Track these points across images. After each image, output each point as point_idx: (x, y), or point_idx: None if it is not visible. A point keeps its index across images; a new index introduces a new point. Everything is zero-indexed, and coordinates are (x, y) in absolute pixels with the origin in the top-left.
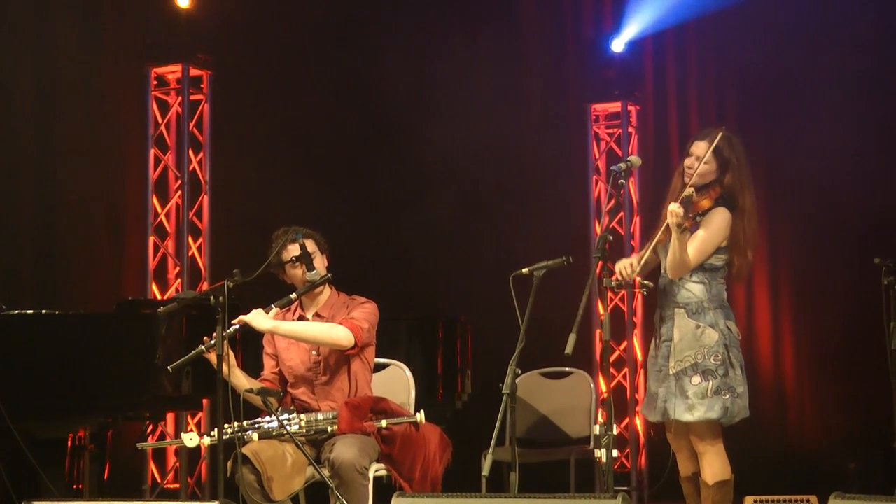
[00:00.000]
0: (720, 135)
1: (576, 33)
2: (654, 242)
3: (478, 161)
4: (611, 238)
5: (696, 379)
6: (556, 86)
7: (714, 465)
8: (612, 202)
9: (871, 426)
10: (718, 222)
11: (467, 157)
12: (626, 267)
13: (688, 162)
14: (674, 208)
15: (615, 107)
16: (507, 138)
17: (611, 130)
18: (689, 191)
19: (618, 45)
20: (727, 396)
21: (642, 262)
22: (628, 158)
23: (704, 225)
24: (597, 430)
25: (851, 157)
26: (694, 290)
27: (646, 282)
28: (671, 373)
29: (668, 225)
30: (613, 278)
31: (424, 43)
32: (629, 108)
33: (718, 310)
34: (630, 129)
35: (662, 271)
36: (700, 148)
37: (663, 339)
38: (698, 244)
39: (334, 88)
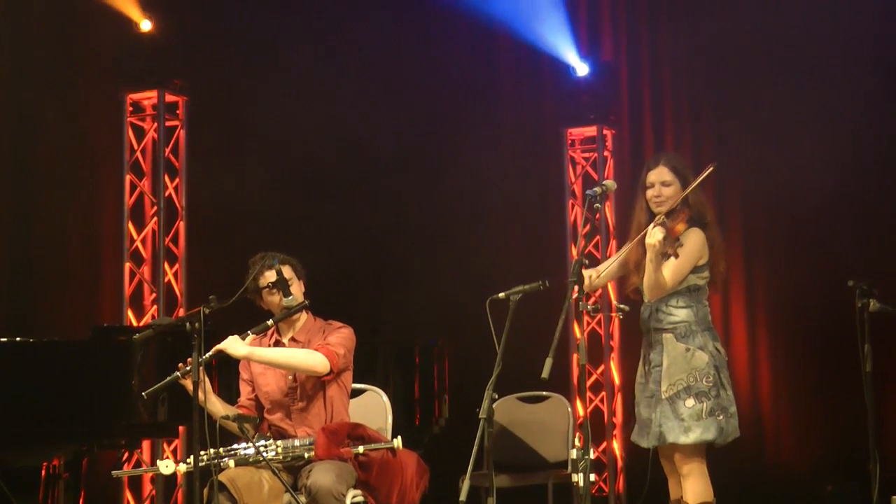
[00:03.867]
0: (711, 169)
1: (550, 57)
2: (619, 257)
3: (454, 186)
4: (586, 262)
5: (690, 401)
6: (532, 110)
7: (697, 487)
8: (588, 226)
9: (847, 448)
10: (694, 243)
11: (444, 182)
12: (586, 278)
13: (651, 193)
14: (657, 237)
15: (591, 131)
16: (483, 162)
17: (587, 154)
18: (660, 219)
19: (582, 69)
20: (721, 417)
21: (602, 275)
22: (604, 182)
23: (680, 248)
24: (574, 454)
25: (828, 177)
26: (680, 313)
27: (622, 305)
28: (664, 397)
29: (638, 244)
30: (591, 302)
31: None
32: (605, 131)
33: (706, 332)
34: (606, 153)
35: (646, 300)
36: (662, 174)
37: (653, 364)
38: (675, 266)
39: (311, 113)
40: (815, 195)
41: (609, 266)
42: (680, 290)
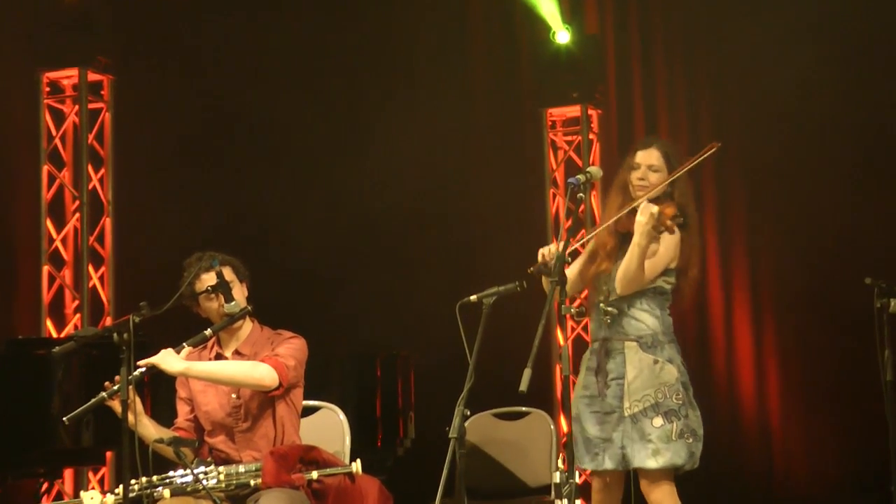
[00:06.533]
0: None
1: (528, 28)
2: (592, 236)
3: (419, 174)
4: (570, 260)
5: (658, 420)
6: (507, 88)
7: None
8: (571, 219)
9: (867, 467)
10: (672, 240)
11: (407, 171)
12: (548, 252)
13: (636, 175)
14: (652, 209)
15: (574, 111)
16: (452, 148)
17: (569, 138)
18: (643, 204)
19: (563, 36)
20: (691, 440)
21: (570, 278)
22: (588, 169)
23: (660, 240)
24: (557, 477)
25: (844, 162)
26: (646, 320)
27: (609, 308)
28: (627, 414)
29: (613, 228)
30: (575, 305)
31: (360, 44)
32: (590, 112)
33: (673, 344)
34: (591, 136)
35: (601, 298)
36: (651, 157)
37: (612, 376)
38: (654, 260)
39: (255, 95)
40: (829, 182)
41: (576, 264)
42: (646, 290)
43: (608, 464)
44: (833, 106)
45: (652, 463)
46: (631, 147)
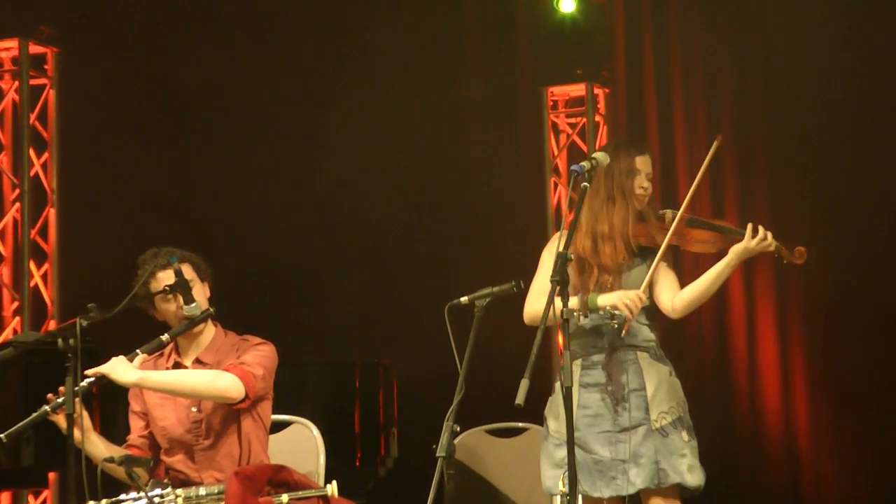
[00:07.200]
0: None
1: None
2: (656, 264)
3: (404, 162)
4: (572, 257)
5: (685, 435)
6: (502, 63)
7: None
8: (574, 212)
9: None
10: None
11: (389, 157)
12: (635, 299)
13: (638, 182)
14: (769, 239)
15: (578, 90)
16: (439, 132)
17: (573, 120)
18: (679, 215)
19: (568, 4)
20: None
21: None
22: (594, 156)
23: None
24: (558, 501)
25: (881, 141)
26: (649, 332)
27: (617, 311)
28: (655, 427)
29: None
30: (619, 313)
31: (334, 11)
32: (596, 90)
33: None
34: (597, 118)
35: (675, 316)
36: (649, 165)
37: (631, 387)
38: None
39: (217, 73)
40: (864, 163)
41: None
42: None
43: (641, 482)
44: (874, 85)
45: (691, 479)
46: (622, 149)
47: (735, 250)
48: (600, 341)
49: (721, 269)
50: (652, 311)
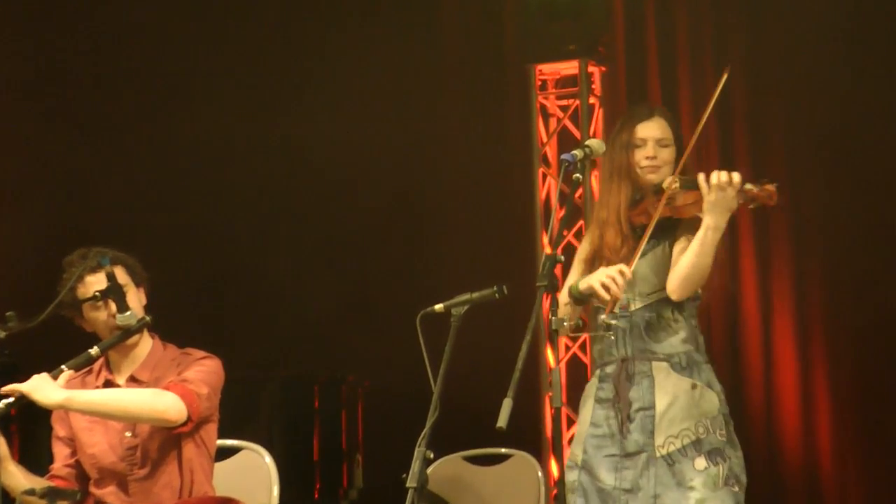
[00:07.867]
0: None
1: None
2: (643, 245)
3: (372, 147)
4: (562, 258)
5: (701, 462)
6: (485, 37)
7: None
8: (565, 206)
9: None
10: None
11: (357, 142)
12: (615, 275)
13: (642, 154)
14: (733, 178)
15: (570, 67)
16: (415, 115)
17: (564, 102)
18: (674, 181)
19: None
20: (736, 489)
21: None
22: (587, 143)
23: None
24: None
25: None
26: (679, 333)
27: (613, 321)
28: (660, 454)
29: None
30: (607, 311)
31: None
32: (590, 69)
33: (710, 365)
34: (592, 100)
35: (614, 307)
36: (658, 129)
37: (637, 406)
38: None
39: (152, 36)
40: (887, 155)
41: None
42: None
43: None
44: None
45: None
46: (621, 123)
47: (704, 210)
48: (614, 351)
49: (701, 236)
50: (685, 312)
